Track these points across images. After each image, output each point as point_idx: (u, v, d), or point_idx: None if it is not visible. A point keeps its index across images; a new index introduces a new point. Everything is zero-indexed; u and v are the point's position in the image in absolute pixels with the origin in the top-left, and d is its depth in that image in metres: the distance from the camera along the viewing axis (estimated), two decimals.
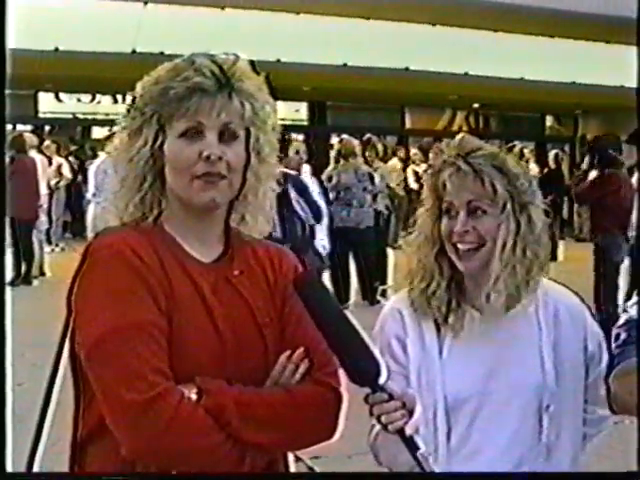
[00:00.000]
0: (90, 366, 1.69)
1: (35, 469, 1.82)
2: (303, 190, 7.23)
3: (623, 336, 2.05)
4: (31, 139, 12.83)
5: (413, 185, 17.27)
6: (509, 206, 2.07)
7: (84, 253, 1.77)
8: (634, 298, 2.12)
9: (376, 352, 1.77)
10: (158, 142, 1.77)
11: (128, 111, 1.81)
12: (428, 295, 2.12)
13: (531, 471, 2.09)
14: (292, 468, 1.91)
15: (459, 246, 2.08)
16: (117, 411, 1.66)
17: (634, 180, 8.97)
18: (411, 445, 1.76)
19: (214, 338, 1.75)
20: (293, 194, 7.06)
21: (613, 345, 2.08)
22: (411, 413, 1.77)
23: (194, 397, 1.67)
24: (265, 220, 1.89)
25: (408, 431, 1.76)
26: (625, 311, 2.11)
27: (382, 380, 1.75)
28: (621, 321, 2.10)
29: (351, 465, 4.59)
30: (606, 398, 2.07)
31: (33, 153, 12.42)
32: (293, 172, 7.56)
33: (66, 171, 15.82)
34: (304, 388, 1.78)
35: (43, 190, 12.44)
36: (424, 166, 17.91)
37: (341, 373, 1.81)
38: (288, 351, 1.80)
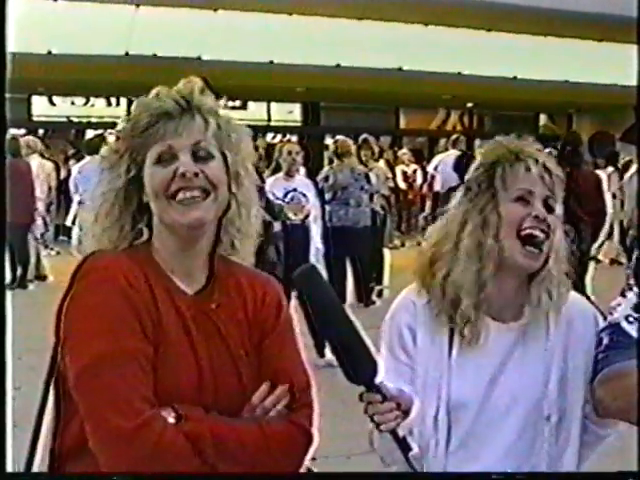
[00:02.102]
0: (78, 389, 1.71)
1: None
2: None
3: (606, 341, 2.02)
4: (36, 144, 12.89)
5: (401, 184, 17.34)
6: (559, 210, 2.08)
7: (74, 273, 1.77)
8: (617, 299, 2.08)
9: (373, 351, 1.76)
10: (130, 174, 1.79)
11: (117, 138, 1.84)
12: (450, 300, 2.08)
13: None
14: None
15: (534, 233, 2.04)
16: (103, 437, 1.68)
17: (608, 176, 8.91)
18: (403, 446, 1.77)
19: (194, 368, 1.77)
20: None
21: (596, 350, 2.05)
22: (406, 413, 1.77)
23: (172, 421, 1.70)
24: (252, 248, 1.90)
25: (401, 432, 1.76)
26: (610, 313, 2.06)
27: (378, 380, 1.75)
28: (604, 324, 2.07)
29: (350, 466, 4.59)
30: (591, 403, 2.04)
31: (35, 157, 12.44)
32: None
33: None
34: (277, 428, 1.78)
35: (39, 194, 12.41)
36: (413, 167, 18.04)
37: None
38: (268, 382, 1.81)
